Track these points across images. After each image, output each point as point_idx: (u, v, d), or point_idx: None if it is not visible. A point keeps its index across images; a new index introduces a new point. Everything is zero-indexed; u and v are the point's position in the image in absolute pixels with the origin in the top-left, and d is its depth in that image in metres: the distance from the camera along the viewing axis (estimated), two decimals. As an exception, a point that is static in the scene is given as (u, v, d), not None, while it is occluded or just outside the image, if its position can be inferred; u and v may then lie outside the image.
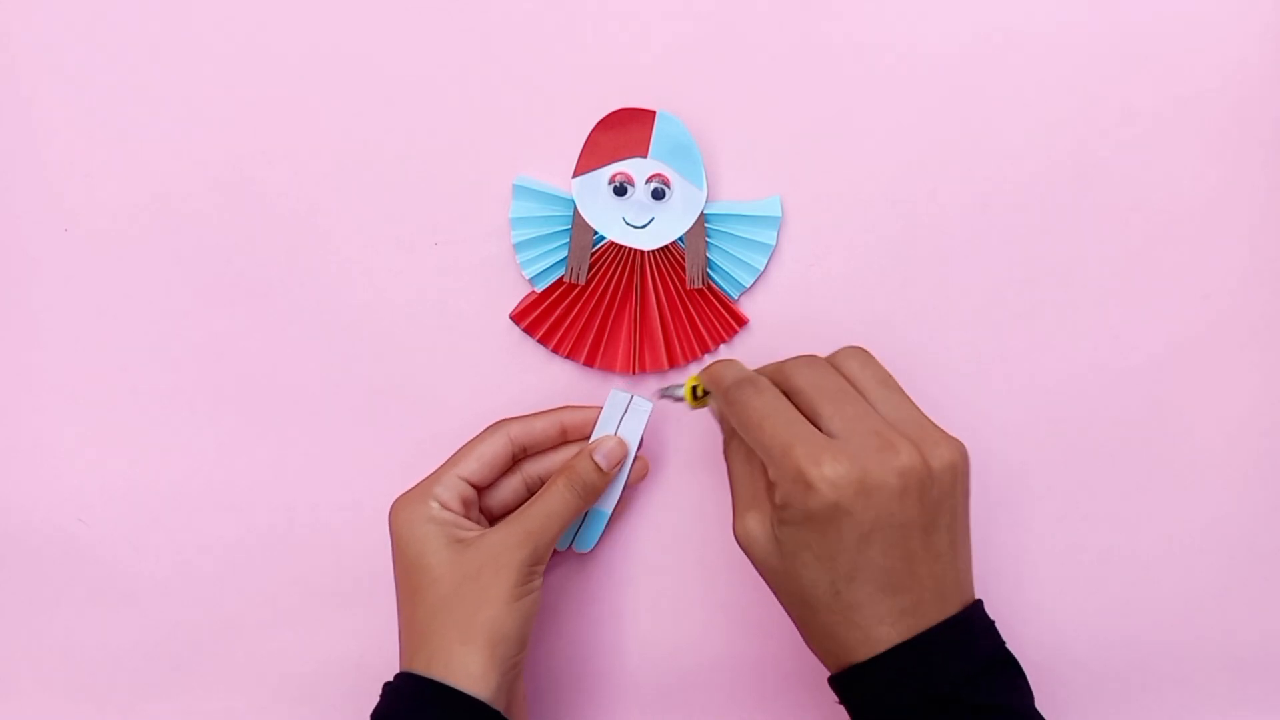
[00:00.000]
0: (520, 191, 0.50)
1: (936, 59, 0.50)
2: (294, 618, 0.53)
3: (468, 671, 0.41)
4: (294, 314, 0.51)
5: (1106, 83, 0.50)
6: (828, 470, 0.38)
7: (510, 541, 0.43)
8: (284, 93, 0.50)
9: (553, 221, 0.50)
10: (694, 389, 0.46)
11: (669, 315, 0.51)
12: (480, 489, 0.47)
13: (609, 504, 0.49)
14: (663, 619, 0.53)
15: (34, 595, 0.53)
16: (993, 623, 0.41)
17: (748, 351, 0.51)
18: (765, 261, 0.50)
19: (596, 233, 0.50)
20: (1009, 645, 0.41)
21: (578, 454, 0.47)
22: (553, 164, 0.50)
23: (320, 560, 0.52)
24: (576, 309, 0.50)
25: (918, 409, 0.42)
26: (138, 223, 0.50)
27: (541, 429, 0.48)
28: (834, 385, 0.41)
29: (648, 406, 0.48)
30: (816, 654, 0.42)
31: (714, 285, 0.51)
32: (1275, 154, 0.51)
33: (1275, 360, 0.52)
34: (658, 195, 0.50)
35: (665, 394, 0.47)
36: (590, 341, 0.50)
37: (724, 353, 0.52)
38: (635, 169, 0.49)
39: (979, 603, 0.41)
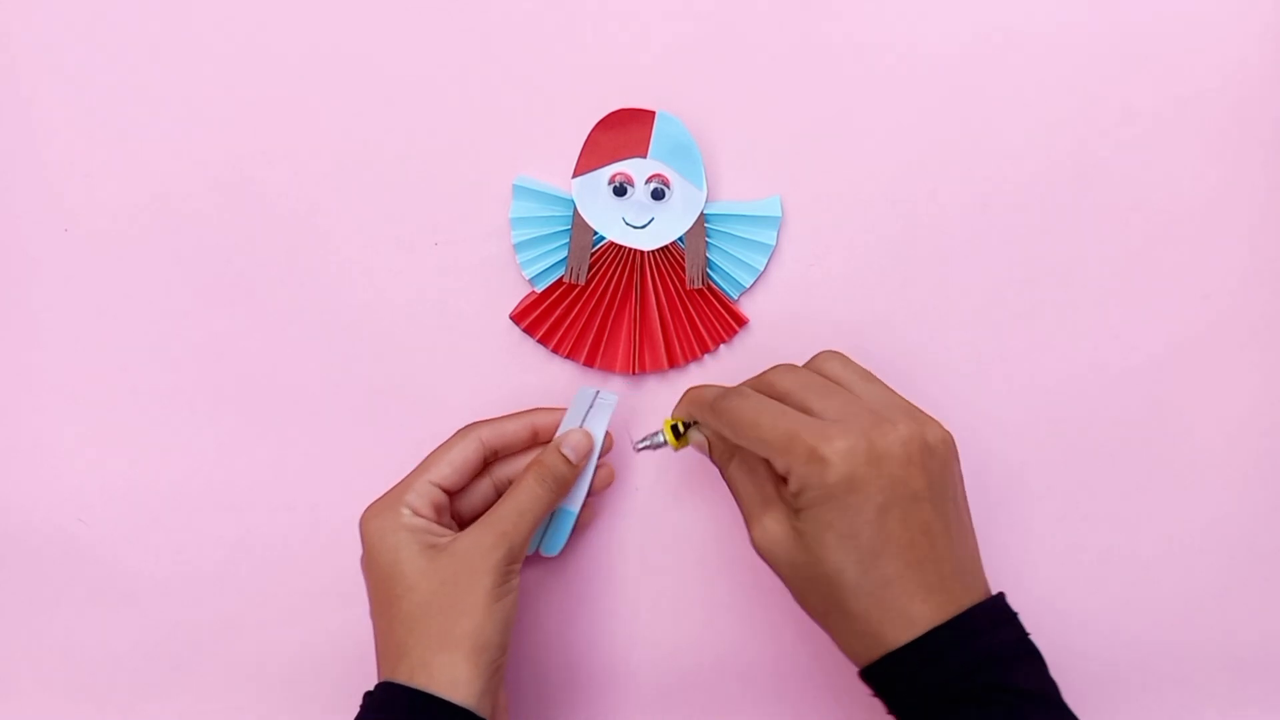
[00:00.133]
0: (520, 191, 0.50)
1: (936, 59, 0.50)
2: (294, 618, 0.53)
3: (452, 679, 0.41)
4: (294, 314, 0.51)
5: (1106, 83, 0.50)
6: (838, 444, 0.39)
7: (484, 544, 0.43)
8: (284, 93, 0.50)
9: (553, 221, 0.50)
10: (674, 428, 0.46)
11: (669, 315, 0.51)
12: (452, 494, 0.46)
13: (575, 503, 0.48)
14: (663, 619, 0.53)
15: (34, 595, 0.53)
16: (1015, 613, 0.42)
17: (748, 352, 0.51)
18: (765, 261, 0.50)
19: (596, 233, 0.50)
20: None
21: (545, 448, 0.47)
22: (553, 164, 0.50)
23: (320, 560, 0.52)
24: (576, 309, 0.50)
25: (901, 397, 0.43)
26: (138, 223, 0.50)
27: (512, 431, 0.47)
28: (818, 383, 0.43)
29: (613, 400, 0.48)
30: (848, 650, 0.42)
31: (714, 285, 0.51)
32: (1275, 154, 0.51)
33: (1275, 360, 0.52)
34: (657, 195, 0.50)
35: (643, 445, 0.47)
36: (590, 341, 0.50)
37: (724, 353, 0.52)
38: (635, 169, 0.49)
39: (1001, 594, 0.42)
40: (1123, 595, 0.53)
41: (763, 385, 0.44)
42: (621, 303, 0.51)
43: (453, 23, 0.49)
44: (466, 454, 0.46)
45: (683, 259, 0.50)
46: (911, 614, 0.39)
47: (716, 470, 0.52)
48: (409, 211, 0.50)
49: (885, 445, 0.39)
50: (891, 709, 0.41)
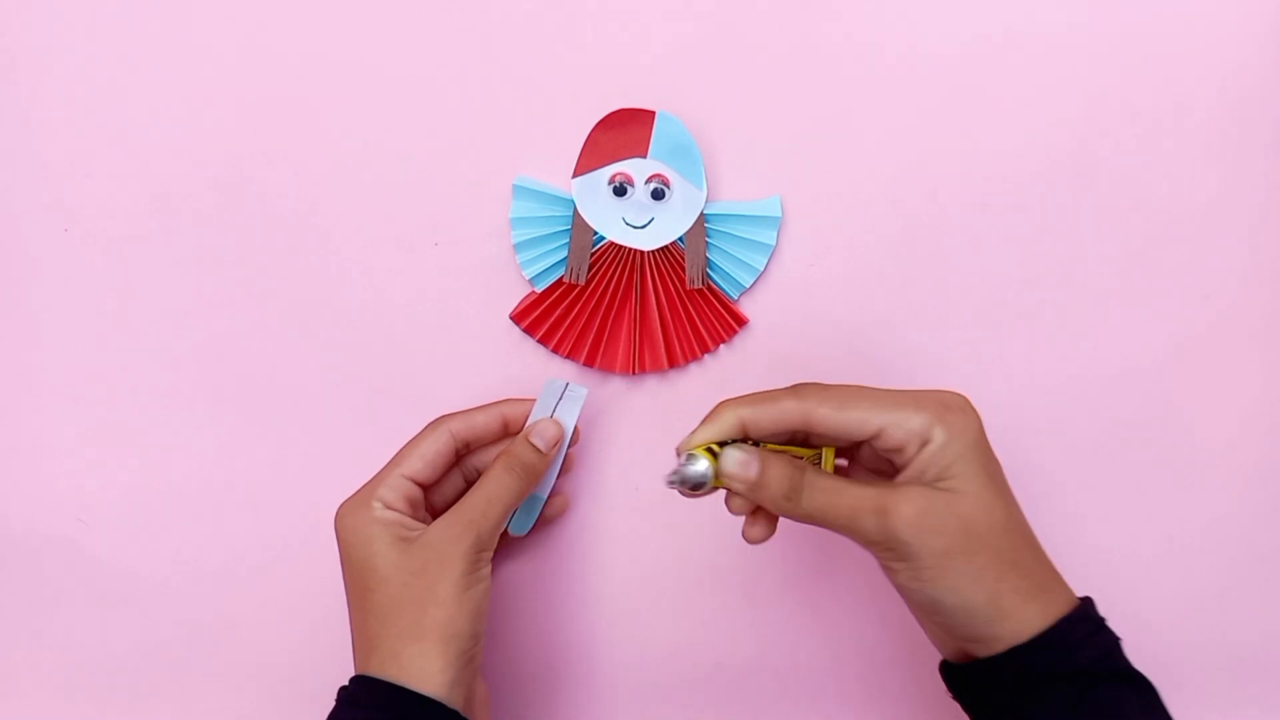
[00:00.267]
0: (520, 191, 0.50)
1: (936, 59, 0.50)
2: (294, 618, 0.53)
3: (421, 670, 0.41)
4: (294, 314, 0.51)
5: (1106, 83, 0.50)
6: (954, 397, 0.40)
7: (452, 533, 0.43)
8: (284, 93, 0.50)
9: (553, 222, 0.50)
10: (709, 451, 0.40)
11: (669, 315, 0.51)
12: (425, 487, 0.46)
13: (544, 488, 0.48)
14: (662, 619, 0.53)
15: (34, 595, 0.53)
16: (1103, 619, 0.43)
17: (747, 352, 0.51)
18: (765, 261, 0.50)
19: (596, 233, 0.50)
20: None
21: (515, 438, 0.47)
22: (553, 164, 0.50)
23: (320, 560, 0.52)
24: (576, 309, 0.50)
25: None
26: (138, 223, 0.50)
27: (483, 423, 0.47)
28: (844, 387, 0.41)
29: (583, 392, 0.48)
30: (946, 647, 0.42)
31: (714, 285, 0.50)
32: (1275, 154, 0.51)
33: (1275, 360, 0.52)
34: (657, 195, 0.50)
35: (677, 481, 0.40)
36: (590, 342, 0.50)
37: (724, 353, 0.52)
38: (635, 169, 0.49)
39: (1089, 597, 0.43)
40: (1123, 595, 0.53)
41: (789, 424, 0.41)
42: (621, 303, 0.51)
43: (453, 23, 0.49)
44: (437, 446, 0.46)
45: (683, 259, 0.50)
46: (1025, 615, 0.39)
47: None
48: (409, 211, 0.50)
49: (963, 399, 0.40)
50: (970, 707, 0.41)
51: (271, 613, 0.53)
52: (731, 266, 0.50)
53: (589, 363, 0.51)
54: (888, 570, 0.40)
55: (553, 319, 0.50)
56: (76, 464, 0.52)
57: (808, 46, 0.50)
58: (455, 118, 0.50)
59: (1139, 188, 0.51)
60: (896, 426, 0.39)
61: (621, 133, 0.49)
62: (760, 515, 0.42)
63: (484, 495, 0.44)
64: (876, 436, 0.40)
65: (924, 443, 0.39)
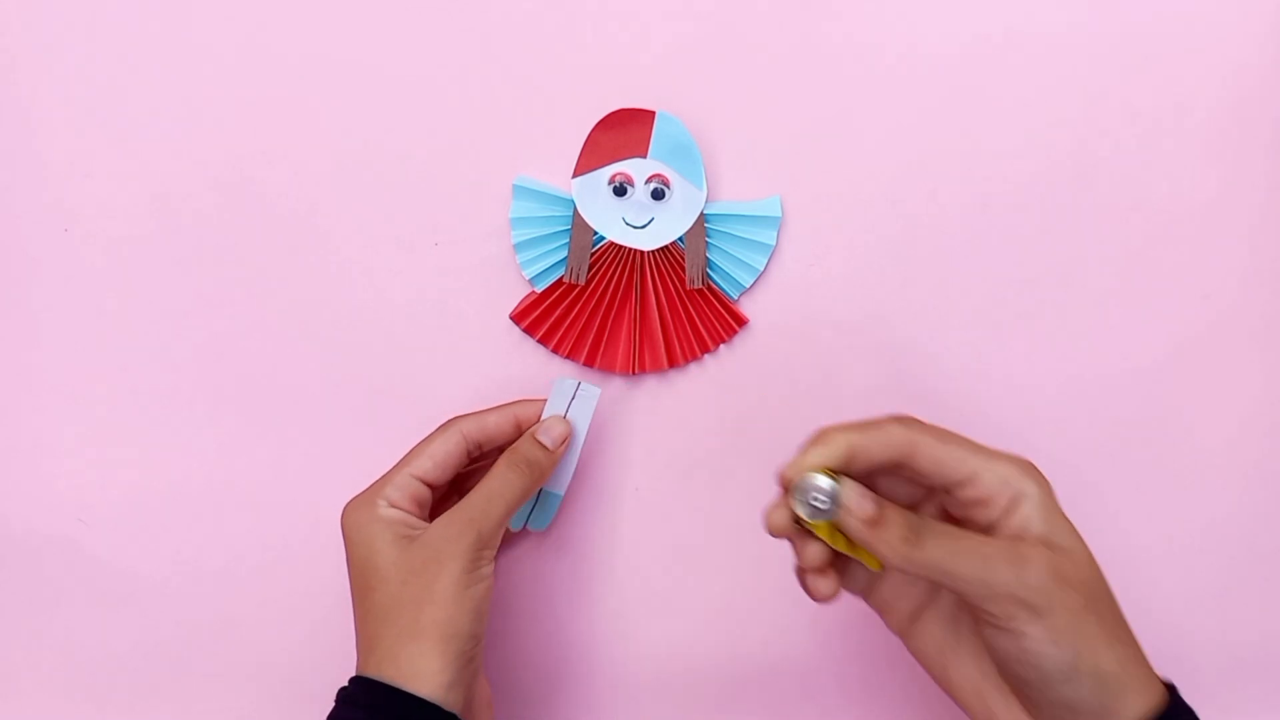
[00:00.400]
0: (520, 191, 0.50)
1: (936, 59, 0.50)
2: (294, 618, 0.53)
3: (417, 670, 0.40)
4: (294, 314, 0.51)
5: (1106, 83, 0.50)
6: (1028, 460, 0.39)
7: (452, 531, 0.42)
8: (284, 93, 0.50)
9: (553, 221, 0.50)
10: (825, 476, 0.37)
11: (669, 315, 0.51)
12: (434, 488, 0.46)
13: (560, 486, 0.49)
14: (661, 619, 0.53)
15: (34, 595, 0.53)
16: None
17: (748, 352, 0.51)
18: (765, 261, 0.50)
19: (596, 233, 0.50)
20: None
21: (522, 436, 0.46)
22: (553, 164, 0.50)
23: (320, 560, 0.52)
24: (576, 309, 0.50)
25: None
26: (138, 222, 0.50)
27: (494, 424, 0.47)
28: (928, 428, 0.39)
29: (595, 392, 0.48)
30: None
31: (714, 285, 0.50)
32: (1275, 154, 0.51)
33: (1276, 360, 0.52)
34: (657, 195, 0.50)
35: (815, 500, 0.37)
36: (590, 342, 0.50)
37: (724, 353, 0.52)
38: (635, 169, 0.49)
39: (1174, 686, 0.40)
40: (1123, 595, 0.53)
41: (893, 450, 0.38)
42: (621, 303, 0.51)
43: (453, 23, 0.49)
44: (448, 447, 0.45)
45: (683, 259, 0.50)
46: (1147, 688, 0.37)
47: (715, 469, 0.52)
48: (409, 211, 0.50)
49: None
50: None
51: (271, 613, 0.53)
52: (731, 266, 0.50)
53: (589, 363, 0.51)
54: (1005, 634, 0.36)
55: (553, 319, 0.50)
56: (76, 464, 0.52)
57: (808, 46, 0.50)
58: (455, 118, 0.50)
59: (1139, 188, 0.51)
60: (991, 472, 0.37)
61: (621, 133, 0.49)
62: (834, 566, 0.39)
63: (486, 492, 0.44)
64: (967, 481, 0.38)
65: (1015, 495, 0.37)
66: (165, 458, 0.52)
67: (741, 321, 0.51)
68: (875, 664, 0.53)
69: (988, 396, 0.52)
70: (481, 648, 0.43)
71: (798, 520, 0.37)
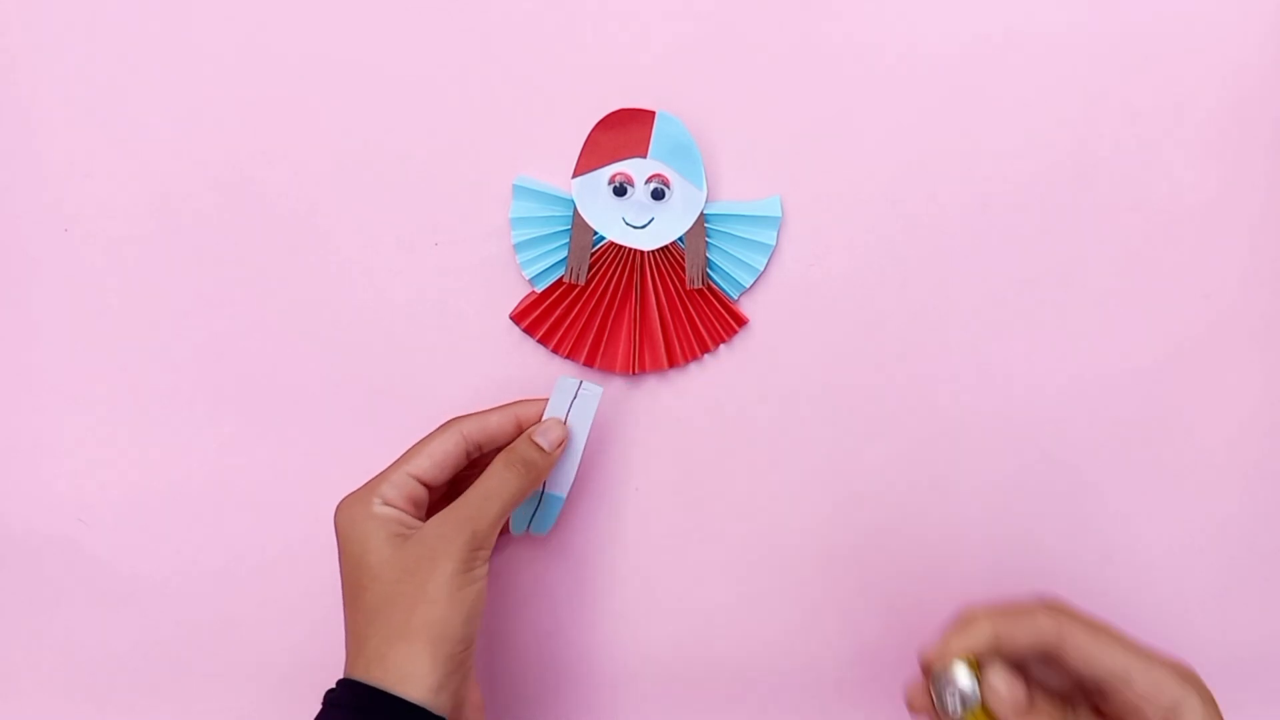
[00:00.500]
0: (520, 191, 0.50)
1: (936, 59, 0.50)
2: (294, 618, 0.53)
3: (406, 672, 0.39)
4: (294, 314, 0.51)
5: (1106, 83, 0.50)
6: (1192, 670, 0.37)
7: (445, 530, 0.42)
8: (284, 93, 0.50)
9: (553, 221, 0.50)
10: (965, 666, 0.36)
11: (669, 315, 0.51)
12: (432, 488, 0.45)
13: (563, 488, 0.48)
14: (661, 620, 0.53)
15: (34, 595, 0.53)
16: None
17: (748, 352, 0.51)
18: (765, 261, 0.50)
19: (596, 233, 0.50)
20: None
21: (519, 437, 0.46)
22: (553, 164, 0.50)
23: (320, 560, 0.52)
24: (576, 309, 0.50)
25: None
26: (138, 223, 0.50)
27: (495, 424, 0.46)
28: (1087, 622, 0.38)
29: (597, 391, 0.47)
30: None
31: (714, 285, 0.50)
32: (1275, 154, 0.51)
33: (1276, 360, 0.52)
34: (657, 195, 0.50)
35: (952, 699, 0.35)
36: (590, 341, 0.50)
37: (724, 353, 0.52)
38: (635, 169, 0.49)
39: None
40: (1123, 595, 0.53)
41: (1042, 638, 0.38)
42: (621, 303, 0.51)
43: (453, 23, 0.49)
44: (446, 447, 0.45)
45: (683, 259, 0.50)
46: None
47: (715, 469, 0.52)
48: (409, 211, 0.50)
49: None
50: None
51: (271, 613, 0.53)
52: (731, 266, 0.50)
53: (589, 363, 0.51)
54: None
55: (553, 319, 0.50)
56: (76, 464, 0.52)
57: (808, 46, 0.50)
58: (455, 118, 0.50)
59: (1139, 188, 0.51)
60: (1147, 677, 0.36)
61: (621, 133, 0.49)
62: None
63: (482, 492, 0.44)
64: (1121, 683, 0.37)
65: (1174, 705, 0.36)
66: (165, 458, 0.52)
67: (741, 321, 0.51)
68: (876, 664, 0.53)
69: (988, 396, 0.52)
70: (473, 651, 0.42)
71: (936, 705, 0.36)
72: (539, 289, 0.50)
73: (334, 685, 0.42)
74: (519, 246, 0.50)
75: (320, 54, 0.49)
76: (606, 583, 0.53)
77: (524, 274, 0.50)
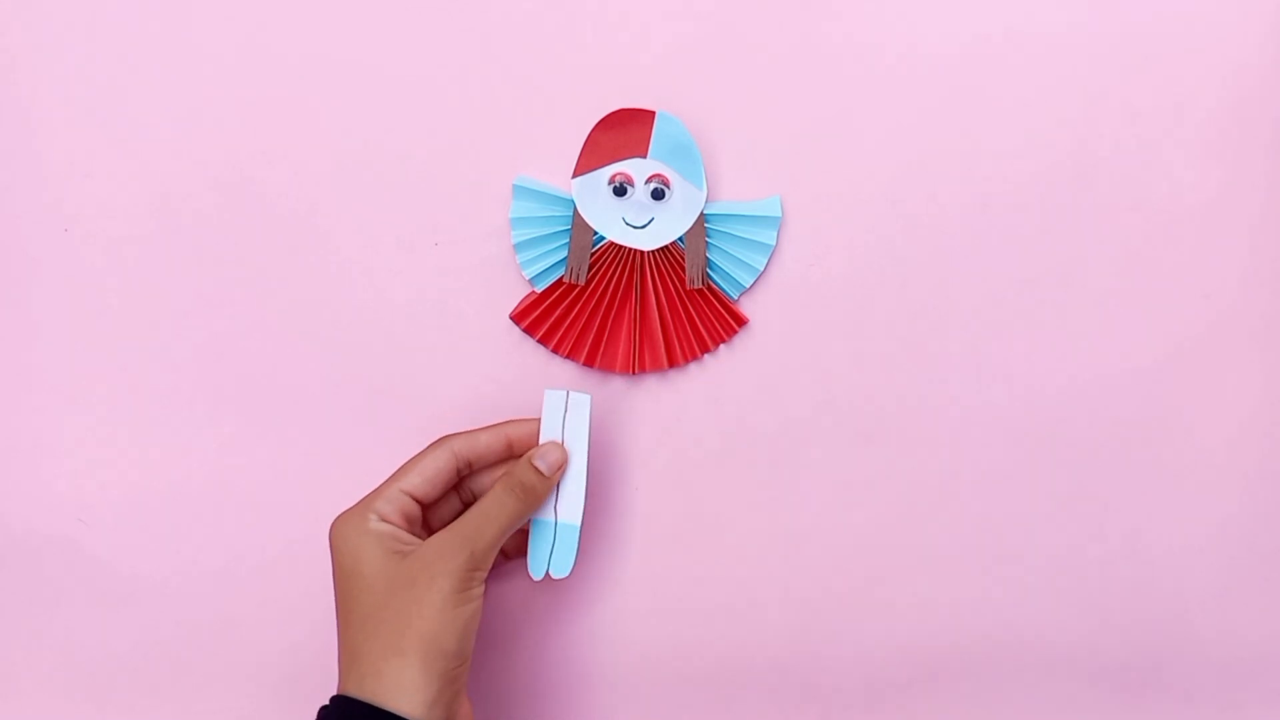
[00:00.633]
0: (520, 191, 0.50)
1: (936, 59, 0.50)
2: (294, 618, 0.53)
3: (400, 686, 0.40)
4: (294, 314, 0.51)
5: (1106, 83, 0.50)
6: None
7: (445, 548, 0.42)
8: (284, 93, 0.50)
9: (553, 221, 0.50)
10: None
11: (669, 315, 0.51)
12: (424, 505, 0.46)
13: (575, 515, 0.47)
14: (661, 620, 0.53)
15: (34, 595, 0.53)
16: None
17: (747, 352, 0.51)
18: (765, 261, 0.50)
19: (596, 233, 0.50)
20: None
21: (518, 461, 0.46)
22: (553, 164, 0.50)
23: (320, 560, 0.52)
24: (576, 309, 0.50)
25: None
26: (137, 223, 0.50)
27: (485, 443, 0.47)
28: None
29: (585, 399, 0.47)
30: None
31: (714, 285, 0.51)
32: (1275, 154, 0.51)
33: (1276, 360, 0.52)
34: (657, 195, 0.50)
35: None
36: (590, 341, 0.50)
37: (724, 353, 0.52)
38: (635, 169, 0.49)
39: None
40: (1123, 595, 0.53)
41: None
42: (621, 303, 0.51)
43: (453, 23, 0.49)
44: (438, 464, 0.45)
45: (683, 259, 0.50)
46: None
47: (715, 469, 0.52)
48: (409, 211, 0.50)
49: None
50: None
51: (271, 613, 0.53)
52: (731, 266, 0.50)
53: (589, 363, 0.51)
54: None
55: (553, 319, 0.50)
56: (76, 464, 0.52)
57: (808, 46, 0.50)
58: (455, 118, 0.50)
59: (1139, 188, 0.51)
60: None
61: (621, 133, 0.49)
62: None
63: (481, 513, 0.44)
64: None
65: None
66: (165, 458, 0.52)
67: (741, 321, 0.51)
68: (876, 664, 0.53)
69: (988, 396, 0.52)
70: (467, 668, 0.43)
71: None
72: (539, 289, 0.50)
73: (327, 702, 0.42)
74: (519, 246, 0.50)
75: (320, 54, 0.49)
76: (606, 582, 0.53)
77: (524, 274, 0.50)
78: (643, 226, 0.50)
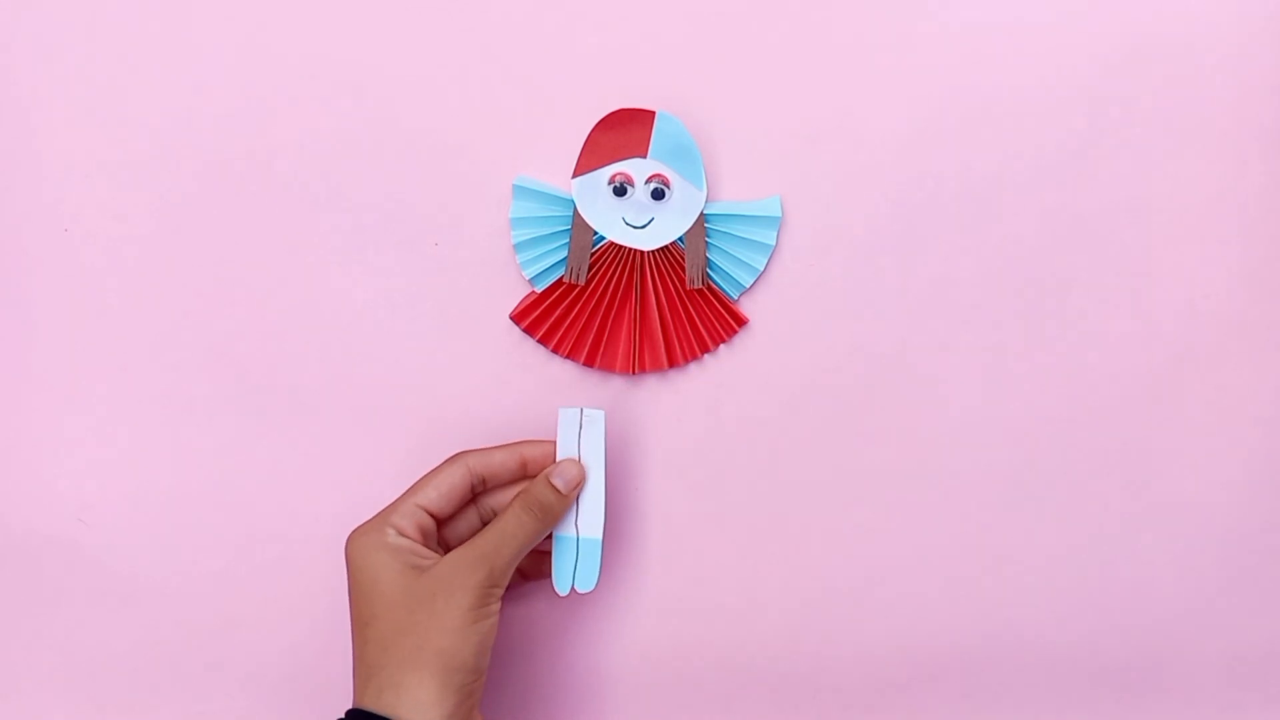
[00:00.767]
0: (520, 191, 0.50)
1: (936, 59, 0.50)
2: (294, 618, 0.53)
3: (417, 700, 0.40)
4: (294, 314, 0.51)
5: (1107, 81, 0.50)
6: None
7: (463, 565, 0.43)
8: (284, 93, 0.50)
9: (553, 222, 0.50)
10: None
11: (669, 315, 0.51)
12: (439, 520, 0.46)
13: (596, 530, 0.47)
14: (661, 620, 0.53)
15: (34, 595, 0.53)
16: None
17: (748, 352, 0.51)
18: (765, 261, 0.50)
19: (596, 233, 0.50)
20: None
21: (535, 478, 0.46)
22: (553, 164, 0.50)
23: (320, 560, 0.52)
24: (576, 309, 0.50)
25: None
26: (137, 223, 0.50)
27: (500, 461, 0.47)
28: None
29: (600, 415, 0.47)
30: None
31: (714, 285, 0.51)
32: (1275, 154, 0.51)
33: (1276, 361, 0.52)
34: (657, 195, 0.50)
35: None
36: (590, 341, 0.50)
37: (724, 353, 0.52)
38: (635, 169, 0.49)
39: None
40: (1123, 595, 0.53)
41: None
42: (621, 303, 0.51)
43: (453, 23, 0.49)
44: (454, 480, 0.46)
45: (683, 259, 0.50)
46: None
47: (715, 469, 0.52)
48: (409, 211, 0.50)
49: None
50: None
51: (271, 613, 0.53)
52: (731, 266, 0.50)
53: (589, 363, 0.51)
54: None
55: (553, 319, 0.50)
56: (76, 464, 0.52)
57: (808, 46, 0.50)
58: (455, 118, 0.50)
59: (1139, 188, 0.51)
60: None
61: (621, 133, 0.49)
62: None
63: (499, 531, 0.44)
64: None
65: None
66: (165, 458, 0.52)
67: (741, 321, 0.51)
68: (876, 664, 0.53)
69: (987, 396, 0.52)
70: (482, 683, 0.43)
71: None
72: (539, 289, 0.50)
73: (342, 715, 0.42)
74: (519, 246, 0.50)
75: (320, 54, 0.49)
76: (606, 582, 0.53)
77: (524, 274, 0.50)
78: (643, 226, 0.50)
